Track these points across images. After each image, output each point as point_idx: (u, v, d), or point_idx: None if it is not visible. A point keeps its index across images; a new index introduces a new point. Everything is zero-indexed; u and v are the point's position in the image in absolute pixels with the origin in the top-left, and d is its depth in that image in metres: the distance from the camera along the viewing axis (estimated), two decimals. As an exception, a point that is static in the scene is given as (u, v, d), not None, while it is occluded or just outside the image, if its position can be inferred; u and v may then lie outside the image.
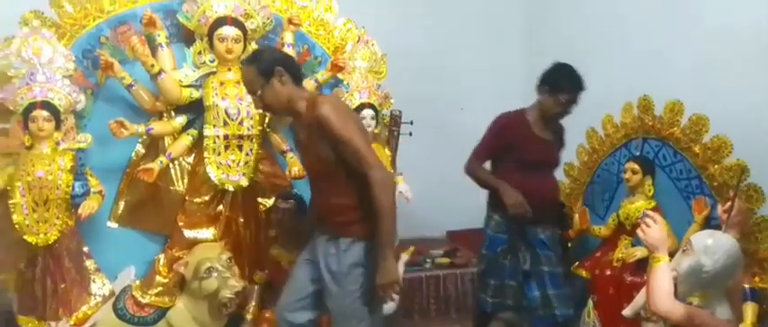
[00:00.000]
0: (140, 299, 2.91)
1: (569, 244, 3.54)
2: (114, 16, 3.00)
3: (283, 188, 3.18)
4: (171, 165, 3.05)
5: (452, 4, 4.88)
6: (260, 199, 3.15)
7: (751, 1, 3.08)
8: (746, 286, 2.46)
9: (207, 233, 3.05)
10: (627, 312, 2.21)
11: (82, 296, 2.90)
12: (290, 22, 3.17)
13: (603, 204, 3.54)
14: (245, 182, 3.00)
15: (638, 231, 1.90)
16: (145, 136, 3.03)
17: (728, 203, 2.11)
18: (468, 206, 4.84)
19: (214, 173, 2.96)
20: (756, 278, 2.59)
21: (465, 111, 4.83)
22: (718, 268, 1.84)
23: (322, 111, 2.10)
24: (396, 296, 2.24)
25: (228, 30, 2.96)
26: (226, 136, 2.96)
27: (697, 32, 3.36)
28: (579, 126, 3.51)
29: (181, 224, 3.02)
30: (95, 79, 2.99)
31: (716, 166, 2.85)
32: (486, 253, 3.13)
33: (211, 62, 3.06)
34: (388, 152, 3.36)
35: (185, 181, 3.10)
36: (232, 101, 2.98)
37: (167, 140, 3.06)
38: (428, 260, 4.04)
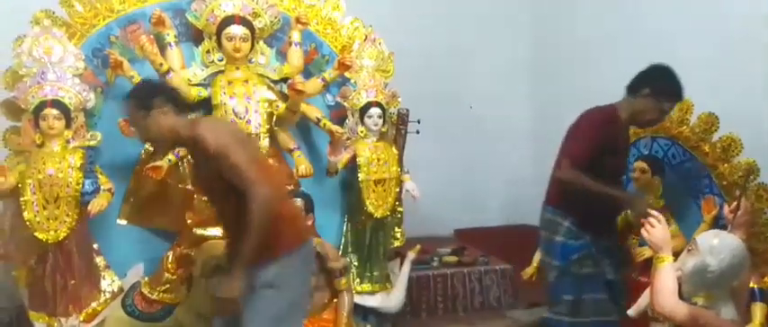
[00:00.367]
0: (149, 296, 2.93)
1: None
2: (124, 15, 3.03)
3: (291, 186, 3.19)
4: (179, 163, 3.07)
5: (460, 2, 4.87)
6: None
7: (763, -3, 3.05)
8: (755, 286, 2.44)
9: (215, 230, 3.06)
10: (631, 312, 2.20)
11: (91, 292, 2.93)
12: (297, 20, 3.18)
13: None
14: (252, 180, 3.02)
15: (643, 231, 1.89)
16: (154, 135, 3.05)
17: (735, 203, 2.09)
18: (475, 204, 4.88)
19: (222, 171, 2.98)
20: (766, 279, 2.56)
21: (473, 110, 4.83)
22: (723, 268, 1.83)
23: (198, 131, 2.05)
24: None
25: (236, 29, 2.98)
26: (233, 135, 2.98)
27: (708, 29, 3.33)
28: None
29: (189, 221, 3.04)
30: (105, 78, 3.03)
31: (725, 165, 2.83)
32: (558, 264, 2.75)
33: (220, 61, 3.09)
34: (395, 150, 3.37)
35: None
36: (240, 99, 3.00)
37: (176, 138, 3.09)
38: (436, 259, 4.03)
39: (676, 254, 1.93)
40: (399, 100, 3.49)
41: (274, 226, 2.04)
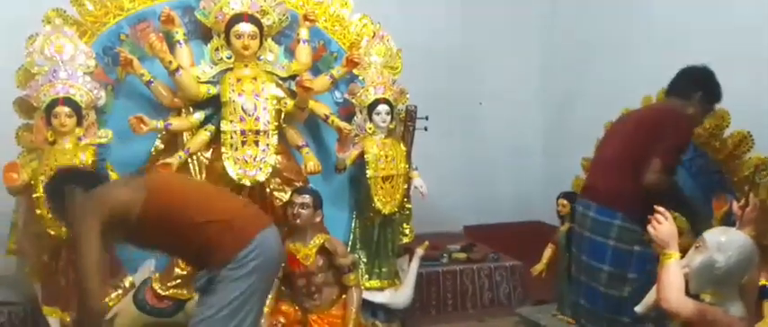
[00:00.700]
0: (160, 291, 2.97)
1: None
2: (134, 14, 3.06)
3: (299, 182, 3.21)
4: (189, 160, 3.10)
5: (469, -2, 4.86)
6: (276, 194, 3.19)
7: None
8: (765, 283, 2.41)
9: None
10: (638, 308, 2.18)
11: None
12: (305, 18, 3.19)
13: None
14: (261, 177, 3.03)
15: (649, 227, 1.88)
16: (164, 132, 3.08)
17: (744, 199, 2.07)
18: (485, 201, 4.87)
19: (232, 169, 3.00)
20: (776, 276, 2.53)
21: (483, 106, 4.82)
22: (730, 264, 1.81)
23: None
24: None
25: (245, 27, 3.00)
26: (243, 132, 3.00)
27: (720, 24, 3.29)
28: (598, 120, 3.48)
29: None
30: (116, 76, 3.06)
31: (737, 161, 2.80)
32: (634, 276, 2.54)
33: (228, 58, 3.11)
34: (403, 147, 3.37)
35: (203, 175, 3.15)
36: (248, 96, 3.01)
37: (186, 135, 3.12)
38: (445, 256, 4.04)
39: (685, 251, 1.92)
40: (408, 96, 3.50)
41: (204, 239, 2.08)
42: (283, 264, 3.15)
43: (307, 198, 3.01)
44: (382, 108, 3.24)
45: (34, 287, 2.97)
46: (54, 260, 2.87)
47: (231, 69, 3.09)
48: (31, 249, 2.90)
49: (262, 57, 3.17)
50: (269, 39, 3.18)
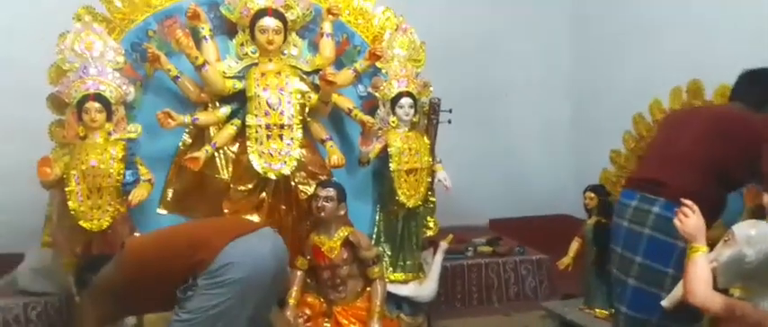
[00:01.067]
0: (187, 283, 3.01)
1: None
2: (161, 10, 3.11)
3: (323, 176, 3.23)
4: (216, 154, 3.14)
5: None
6: (301, 187, 3.21)
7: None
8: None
9: (252, 219, 3.13)
10: (665, 302, 2.15)
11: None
12: (329, 11, 3.20)
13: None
14: (286, 171, 3.06)
15: (675, 221, 1.85)
16: (191, 127, 3.14)
17: (776, 191, 2.02)
18: (511, 194, 4.83)
19: (257, 162, 3.03)
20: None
21: (509, 98, 4.78)
22: (761, 259, 1.77)
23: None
24: None
25: (269, 22, 3.02)
26: (267, 126, 3.03)
27: (751, 14, 3.20)
28: (626, 112, 3.42)
29: (226, 211, 3.12)
30: (144, 71, 3.11)
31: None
32: (674, 273, 2.36)
33: (253, 53, 3.14)
34: (426, 140, 3.36)
35: (230, 169, 3.19)
36: (273, 91, 3.04)
37: (212, 130, 3.16)
38: (470, 249, 4.02)
39: (713, 244, 1.89)
40: (431, 89, 3.48)
41: (187, 269, 2.12)
42: (308, 256, 3.19)
43: (331, 192, 3.04)
44: (405, 101, 3.23)
45: (69, 279, 3.05)
46: (86, 253, 2.94)
47: (256, 64, 3.12)
48: (65, 241, 2.98)
49: (286, 52, 3.20)
50: (293, 34, 3.20)
